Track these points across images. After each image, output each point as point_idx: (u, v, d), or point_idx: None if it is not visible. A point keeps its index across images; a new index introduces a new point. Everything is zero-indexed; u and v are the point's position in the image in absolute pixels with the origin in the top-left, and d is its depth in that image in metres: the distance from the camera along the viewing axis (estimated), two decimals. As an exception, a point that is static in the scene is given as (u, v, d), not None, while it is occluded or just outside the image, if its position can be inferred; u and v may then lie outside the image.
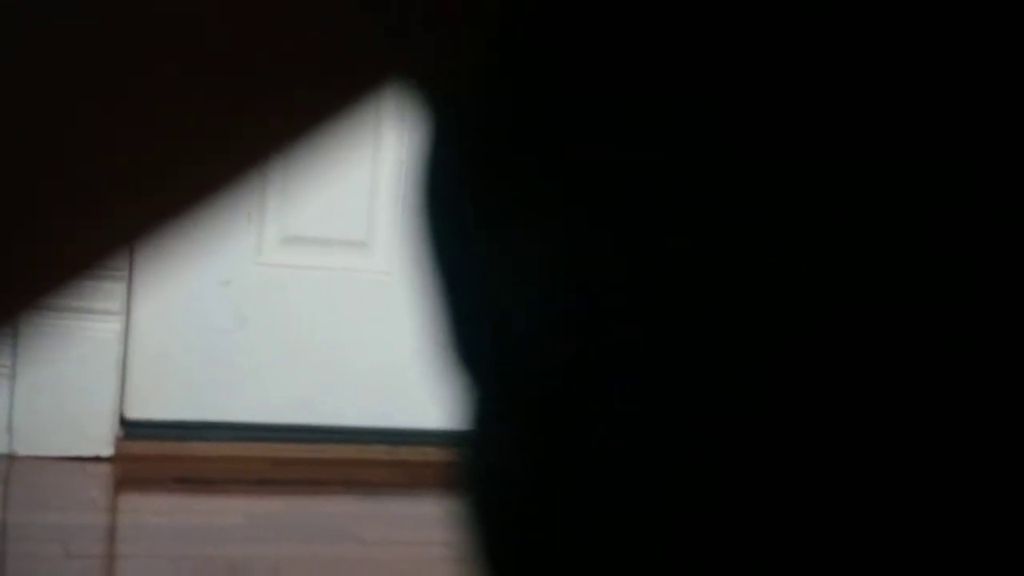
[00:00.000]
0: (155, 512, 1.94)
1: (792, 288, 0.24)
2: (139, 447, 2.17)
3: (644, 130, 0.25)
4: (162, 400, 2.20)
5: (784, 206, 0.24)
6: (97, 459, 2.12)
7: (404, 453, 2.27)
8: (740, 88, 0.24)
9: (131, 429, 2.18)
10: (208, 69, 0.24)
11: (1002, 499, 0.23)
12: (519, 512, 0.28)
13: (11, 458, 2.08)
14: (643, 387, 0.26)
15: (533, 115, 0.27)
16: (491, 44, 0.28)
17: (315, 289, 2.26)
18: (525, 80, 0.27)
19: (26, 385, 2.10)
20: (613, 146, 0.26)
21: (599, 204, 0.26)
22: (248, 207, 2.21)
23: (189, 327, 2.20)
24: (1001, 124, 0.23)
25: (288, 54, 0.24)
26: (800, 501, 0.24)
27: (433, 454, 2.24)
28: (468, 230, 0.30)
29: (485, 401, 0.30)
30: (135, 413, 2.18)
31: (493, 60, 0.28)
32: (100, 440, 2.13)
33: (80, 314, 2.12)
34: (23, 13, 0.22)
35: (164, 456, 2.17)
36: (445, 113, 0.30)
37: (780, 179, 0.24)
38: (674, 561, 0.26)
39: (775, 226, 0.24)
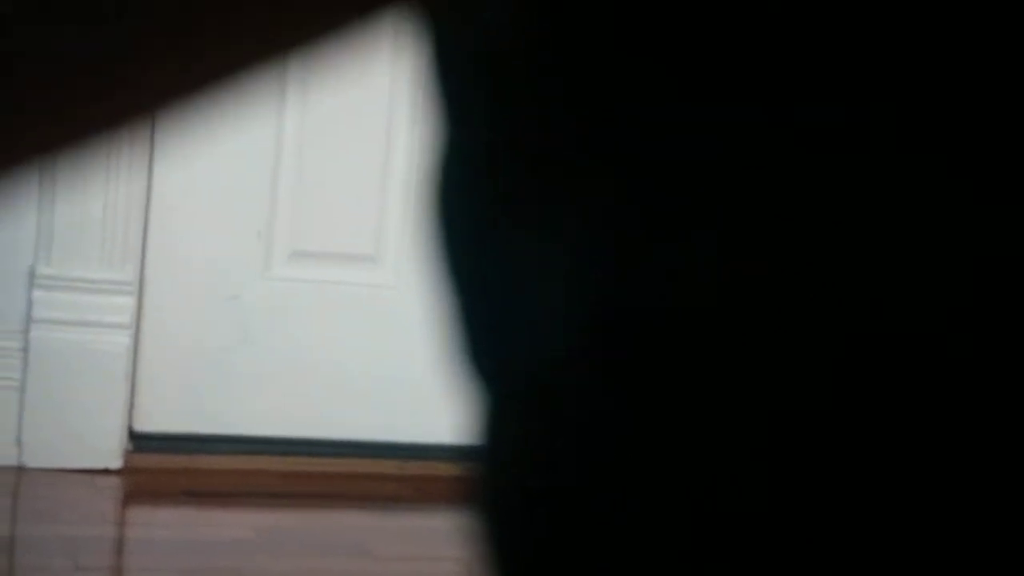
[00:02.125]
0: (164, 525, 1.94)
1: (840, 290, 0.24)
2: (148, 460, 2.17)
3: (664, 131, 0.25)
4: (171, 413, 2.20)
5: (832, 209, 0.24)
6: (106, 472, 2.12)
7: (414, 467, 2.26)
8: (755, 91, 0.24)
9: (140, 442, 2.18)
10: None
11: None
12: (532, 518, 0.28)
13: (20, 470, 2.08)
14: (662, 392, 0.26)
15: (547, 116, 0.27)
16: (507, 47, 0.28)
17: (323, 303, 2.26)
18: (537, 81, 0.27)
19: (35, 398, 2.10)
20: (629, 146, 0.26)
21: (615, 200, 0.26)
22: (257, 223, 2.21)
23: (198, 341, 2.20)
24: (1004, 128, 0.23)
25: None
26: (854, 504, 0.24)
27: (443, 468, 2.23)
28: (481, 231, 0.30)
29: (497, 404, 0.30)
30: (144, 426, 2.18)
31: (509, 62, 0.28)
32: (109, 453, 2.13)
33: (89, 327, 2.12)
34: None
35: (173, 469, 2.17)
36: (460, 115, 0.30)
37: (818, 183, 0.24)
38: (689, 568, 0.26)
39: (811, 231, 0.24)
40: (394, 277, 2.28)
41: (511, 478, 0.29)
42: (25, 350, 2.11)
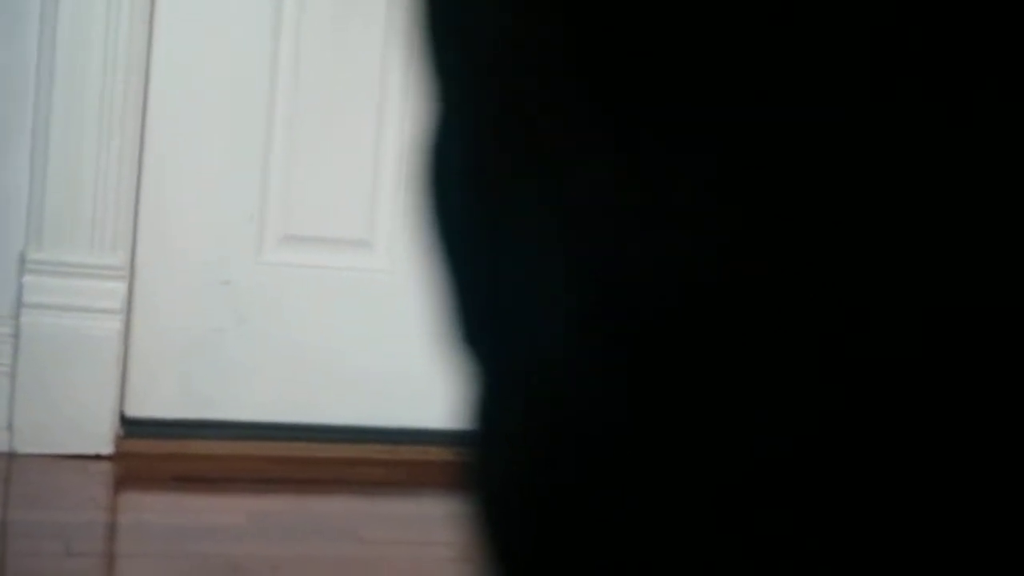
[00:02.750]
0: (155, 510, 1.94)
1: (841, 291, 0.24)
2: (139, 445, 2.17)
3: (668, 130, 0.25)
4: (162, 399, 2.20)
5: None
6: (97, 457, 2.12)
7: (405, 452, 2.27)
8: (756, 90, 0.24)
9: (131, 427, 2.18)
10: None
11: None
12: (529, 514, 0.28)
13: (11, 456, 2.08)
14: (662, 389, 0.25)
15: (549, 108, 0.27)
16: (511, 36, 0.28)
17: (316, 288, 2.26)
18: (543, 75, 0.27)
19: (26, 383, 2.10)
20: (633, 143, 0.26)
21: (617, 196, 0.26)
22: (249, 207, 2.21)
23: (189, 326, 2.20)
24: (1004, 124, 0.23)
25: None
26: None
27: (434, 453, 2.24)
28: (478, 216, 0.30)
29: (494, 395, 0.30)
30: (135, 411, 2.18)
31: (512, 52, 0.28)
32: (100, 438, 2.13)
33: (81, 313, 2.12)
34: None
35: (164, 455, 2.17)
36: (457, 94, 0.30)
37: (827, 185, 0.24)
38: (687, 567, 0.26)
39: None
40: (388, 262, 2.28)
41: (508, 473, 0.29)
42: (16, 335, 2.11)
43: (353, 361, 2.26)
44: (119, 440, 2.16)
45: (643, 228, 0.26)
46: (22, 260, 2.11)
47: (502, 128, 0.28)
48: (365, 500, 2.08)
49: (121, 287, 2.15)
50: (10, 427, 2.09)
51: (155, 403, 2.19)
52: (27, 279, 2.11)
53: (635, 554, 0.26)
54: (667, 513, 0.26)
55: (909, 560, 0.24)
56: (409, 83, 2.23)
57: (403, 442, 2.27)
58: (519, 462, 0.28)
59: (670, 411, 0.25)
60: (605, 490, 0.26)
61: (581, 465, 0.27)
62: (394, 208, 2.27)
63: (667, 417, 0.25)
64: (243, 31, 2.18)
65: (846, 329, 0.24)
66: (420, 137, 0.32)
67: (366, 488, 2.13)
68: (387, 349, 2.27)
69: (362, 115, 2.25)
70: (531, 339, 0.28)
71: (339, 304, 2.27)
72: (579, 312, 0.27)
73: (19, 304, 2.11)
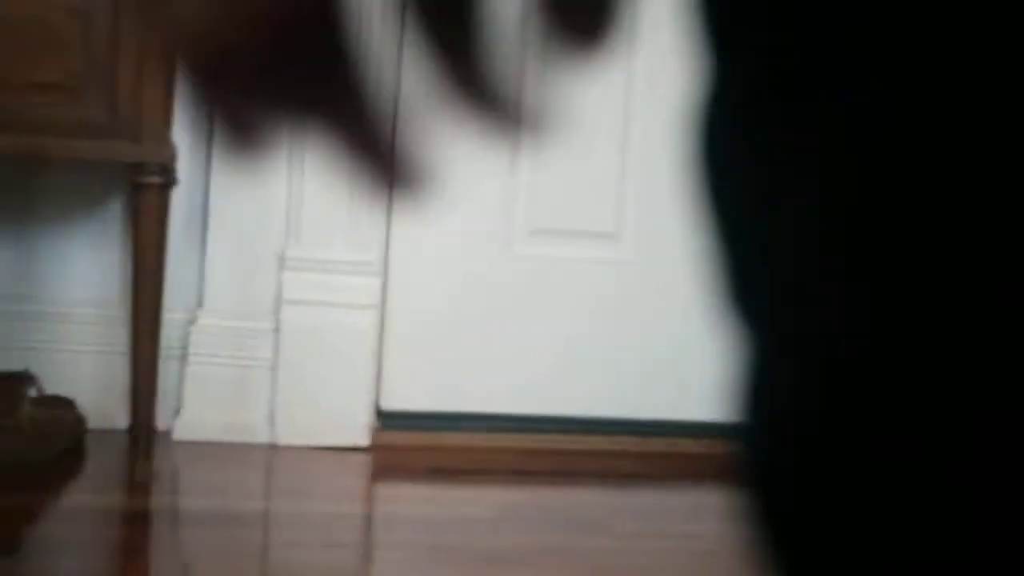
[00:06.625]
0: (409, 502, 1.98)
1: None
2: (394, 438, 2.21)
3: (916, 85, 0.24)
4: (416, 391, 2.24)
5: None
6: (354, 449, 2.18)
7: (655, 444, 2.26)
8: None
9: (387, 420, 2.23)
10: None
11: None
12: (802, 470, 0.28)
13: (273, 448, 2.15)
14: (949, 378, 0.24)
15: (811, 64, 0.27)
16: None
17: (564, 280, 2.27)
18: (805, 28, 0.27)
19: (287, 378, 2.17)
20: (890, 98, 0.25)
21: (885, 147, 0.25)
22: (497, 201, 2.23)
23: (441, 320, 2.24)
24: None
25: None
26: None
27: (683, 445, 2.22)
28: (749, 177, 0.29)
29: (763, 351, 0.29)
30: (391, 404, 2.23)
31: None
32: (357, 431, 2.18)
33: (338, 308, 2.18)
34: None
35: (418, 447, 2.21)
36: (725, 63, 0.30)
37: None
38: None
39: None
40: (634, 253, 2.27)
41: (781, 431, 0.28)
42: (276, 330, 2.17)
43: (602, 353, 2.27)
44: (375, 432, 2.21)
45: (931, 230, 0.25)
46: (281, 258, 2.18)
47: (759, 111, 0.28)
48: (616, 492, 2.08)
49: (376, 282, 2.20)
50: (272, 419, 2.16)
51: (409, 396, 2.24)
52: (286, 276, 2.17)
53: (900, 512, 0.26)
54: (921, 478, 0.25)
55: None
56: (653, 79, 2.22)
57: (654, 434, 2.27)
58: (788, 426, 0.28)
59: (954, 399, 0.25)
60: (871, 454, 0.26)
61: (850, 430, 0.26)
62: (640, 201, 2.26)
63: (948, 405, 0.25)
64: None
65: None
66: (690, 109, 0.32)
67: (617, 480, 2.13)
68: (634, 340, 2.26)
69: (609, 114, 2.25)
70: (807, 304, 0.27)
71: (587, 296, 2.27)
72: (858, 284, 0.26)
73: (279, 300, 2.18)
